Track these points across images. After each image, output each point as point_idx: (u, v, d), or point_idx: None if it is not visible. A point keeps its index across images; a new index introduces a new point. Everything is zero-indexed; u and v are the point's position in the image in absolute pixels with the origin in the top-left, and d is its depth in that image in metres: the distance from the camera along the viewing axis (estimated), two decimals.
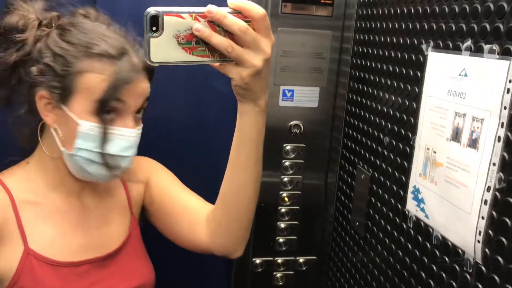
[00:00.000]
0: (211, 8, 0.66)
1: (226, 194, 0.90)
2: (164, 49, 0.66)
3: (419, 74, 0.89)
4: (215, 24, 0.67)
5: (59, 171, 0.91)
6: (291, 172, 1.23)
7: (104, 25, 0.88)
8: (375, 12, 1.07)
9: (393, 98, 0.98)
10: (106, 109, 0.83)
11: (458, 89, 0.77)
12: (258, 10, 0.68)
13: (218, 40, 0.67)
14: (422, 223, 0.87)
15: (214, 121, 1.23)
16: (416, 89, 0.90)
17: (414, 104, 0.90)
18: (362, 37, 1.14)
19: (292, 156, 1.22)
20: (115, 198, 1.01)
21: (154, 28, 0.65)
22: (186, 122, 1.22)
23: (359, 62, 1.15)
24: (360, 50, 1.14)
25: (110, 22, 0.90)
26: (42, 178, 0.91)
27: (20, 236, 0.87)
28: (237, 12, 0.67)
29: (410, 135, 0.91)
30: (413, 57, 0.91)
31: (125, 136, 0.86)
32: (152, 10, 0.64)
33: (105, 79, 0.82)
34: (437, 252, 0.82)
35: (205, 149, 1.24)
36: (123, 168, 0.88)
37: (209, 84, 1.19)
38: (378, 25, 1.06)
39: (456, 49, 0.78)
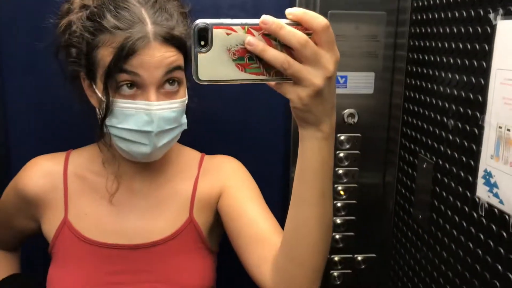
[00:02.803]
0: (266, 18, 0.57)
1: (287, 232, 0.75)
2: (214, 66, 0.58)
3: (486, 47, 0.81)
4: (271, 38, 0.58)
5: (114, 153, 0.91)
6: (346, 164, 1.16)
7: None
8: None
9: (457, 77, 0.90)
10: (117, 82, 0.79)
11: None
12: (320, 21, 0.57)
13: (273, 54, 0.57)
14: (496, 210, 0.78)
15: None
16: (484, 64, 0.82)
17: (482, 80, 0.82)
18: (419, 17, 1.06)
19: (347, 146, 1.15)
20: (176, 192, 0.95)
21: (202, 43, 0.57)
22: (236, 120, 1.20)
23: (416, 43, 1.07)
24: (418, 30, 1.07)
25: None
26: (100, 158, 0.94)
27: (64, 205, 0.93)
28: (297, 24, 0.58)
29: (478, 114, 0.83)
30: (479, 29, 0.83)
31: (144, 110, 0.80)
32: (200, 22, 0.57)
33: (112, 51, 0.79)
34: None
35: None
36: (152, 145, 0.82)
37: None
38: (438, 1, 0.98)
39: None
